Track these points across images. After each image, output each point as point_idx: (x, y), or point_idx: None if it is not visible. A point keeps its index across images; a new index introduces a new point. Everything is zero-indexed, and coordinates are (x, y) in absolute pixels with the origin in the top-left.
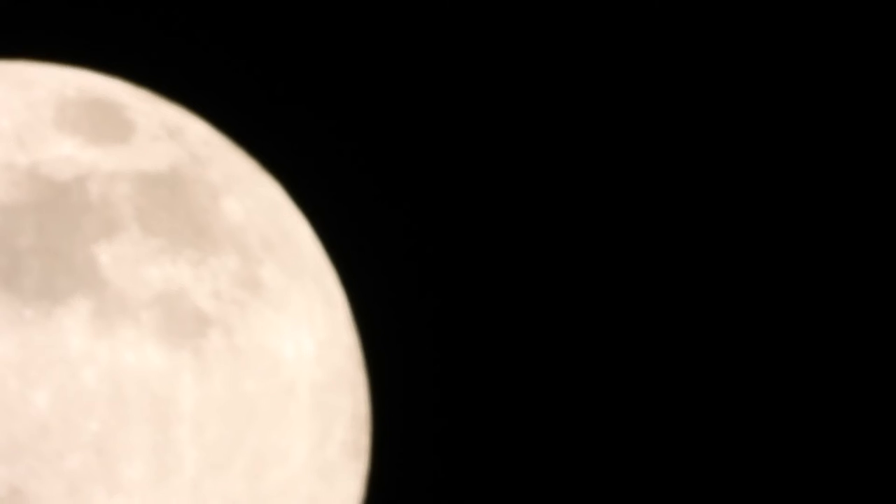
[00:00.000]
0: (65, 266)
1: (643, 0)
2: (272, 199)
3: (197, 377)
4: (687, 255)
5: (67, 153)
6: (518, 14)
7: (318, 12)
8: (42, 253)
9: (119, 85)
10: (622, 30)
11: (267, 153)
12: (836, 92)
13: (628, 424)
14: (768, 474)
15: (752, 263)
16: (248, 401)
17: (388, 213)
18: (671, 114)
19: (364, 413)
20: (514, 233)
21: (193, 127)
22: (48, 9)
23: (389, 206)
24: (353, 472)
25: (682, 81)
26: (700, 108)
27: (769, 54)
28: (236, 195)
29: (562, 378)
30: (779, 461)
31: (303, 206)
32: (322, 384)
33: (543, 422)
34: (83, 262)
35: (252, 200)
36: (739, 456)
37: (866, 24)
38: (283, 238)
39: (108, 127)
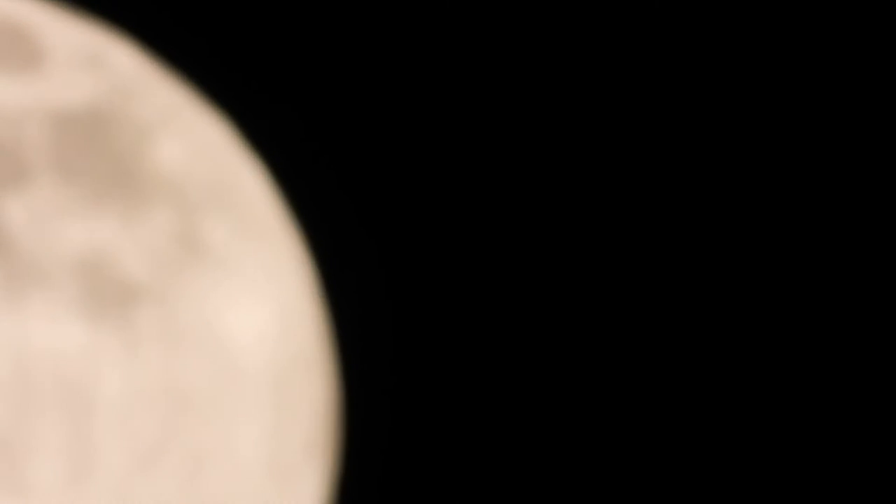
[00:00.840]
0: None
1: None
2: (217, 141)
3: (123, 359)
4: (686, 257)
5: None
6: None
7: None
8: None
9: (27, 2)
10: (620, 29)
11: (212, 83)
12: (836, 92)
13: (607, 409)
14: (767, 474)
15: (746, 264)
16: (186, 388)
17: (362, 159)
18: (671, 114)
19: (330, 400)
20: (497, 188)
21: (119, 52)
22: None
23: (364, 149)
24: (315, 473)
25: (682, 81)
26: (699, 109)
27: (769, 54)
28: (173, 135)
29: (546, 363)
30: (778, 461)
31: (256, 149)
32: (279, 368)
33: (528, 412)
34: None
35: (193, 142)
36: (737, 456)
37: (866, 24)
38: (231, 188)
39: (14, 55)
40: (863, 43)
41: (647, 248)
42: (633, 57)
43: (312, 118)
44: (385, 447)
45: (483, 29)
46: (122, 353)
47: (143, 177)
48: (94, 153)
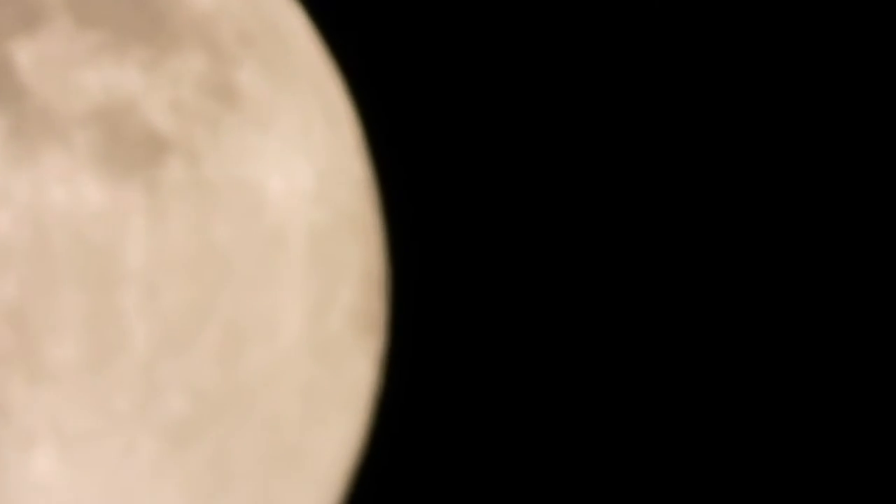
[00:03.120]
0: None
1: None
2: None
3: (150, 222)
4: (692, 255)
5: None
6: None
7: None
8: None
9: None
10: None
11: None
12: (837, 92)
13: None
14: (767, 474)
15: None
16: (220, 254)
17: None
18: (688, 113)
19: (378, 270)
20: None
21: None
22: None
23: None
24: (364, 351)
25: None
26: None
27: (769, 54)
28: None
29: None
30: (777, 461)
31: None
32: (321, 230)
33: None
34: None
35: None
36: (743, 457)
37: (866, 24)
38: (268, 31)
39: None
40: (863, 43)
41: (666, 240)
42: (653, 54)
43: None
44: (441, 321)
45: None
46: (148, 217)
47: (170, 19)
48: None
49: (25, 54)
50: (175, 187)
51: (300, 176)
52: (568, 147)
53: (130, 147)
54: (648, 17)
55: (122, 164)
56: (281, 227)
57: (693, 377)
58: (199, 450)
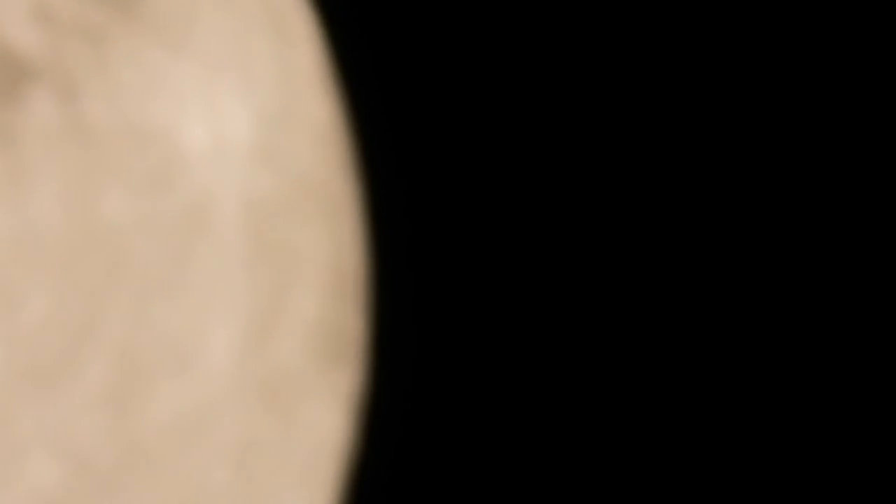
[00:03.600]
0: None
1: None
2: None
3: (2, 192)
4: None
5: None
6: None
7: None
8: None
9: None
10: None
11: None
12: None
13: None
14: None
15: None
16: (110, 242)
17: None
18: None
19: (353, 267)
20: None
21: None
22: None
23: None
24: (331, 391)
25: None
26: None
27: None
28: None
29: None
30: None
31: None
32: (266, 206)
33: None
34: None
35: None
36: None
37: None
38: None
39: None
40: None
41: (667, 239)
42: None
43: None
44: (439, 341)
45: None
46: (5, 183)
47: None
48: None
49: None
50: (41, 138)
51: (232, 122)
52: (579, 117)
53: None
54: (650, 13)
55: None
56: (203, 200)
57: (695, 376)
58: None
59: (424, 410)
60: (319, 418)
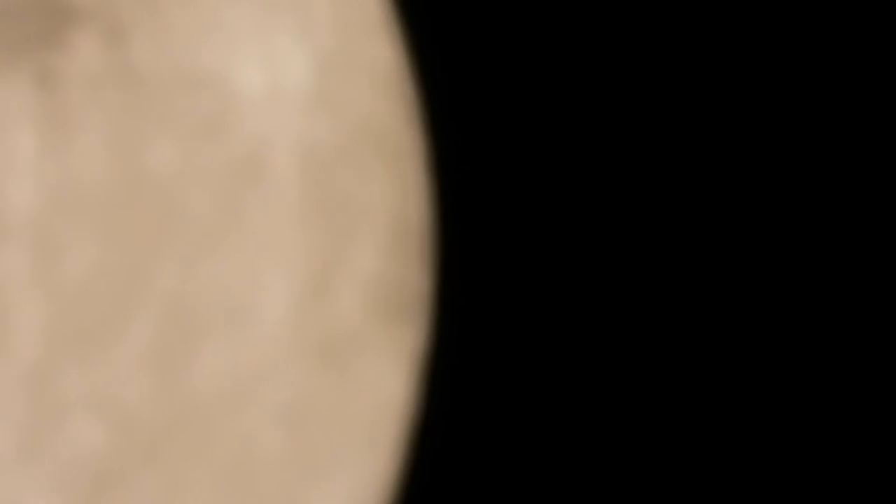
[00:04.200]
0: None
1: None
2: None
3: (44, 140)
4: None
5: None
6: None
7: None
8: None
9: None
10: None
11: None
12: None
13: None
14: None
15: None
16: (158, 193)
17: None
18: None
19: (418, 220)
20: None
21: None
22: None
23: None
24: (394, 349)
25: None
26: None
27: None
28: None
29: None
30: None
31: None
32: (324, 155)
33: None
34: None
35: None
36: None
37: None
38: None
39: None
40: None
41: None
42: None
43: None
44: (508, 299)
45: None
46: (41, 132)
47: None
48: None
49: None
50: (86, 84)
51: (288, 65)
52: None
53: (15, 18)
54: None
55: (7, 48)
56: (257, 148)
57: (718, 374)
58: None
59: (490, 368)
60: (380, 377)
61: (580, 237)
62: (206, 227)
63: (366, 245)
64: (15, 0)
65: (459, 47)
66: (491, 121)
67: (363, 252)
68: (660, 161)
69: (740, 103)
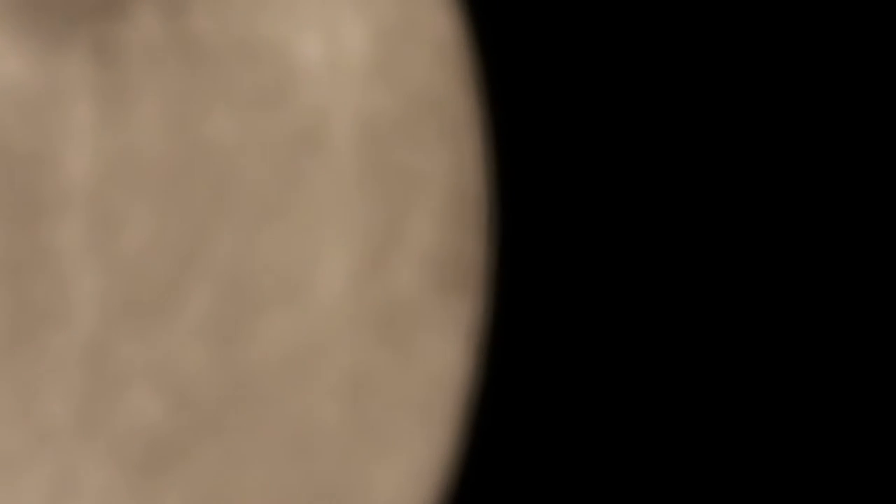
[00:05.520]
0: None
1: None
2: None
3: (101, 110)
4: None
5: None
6: None
7: None
8: None
9: None
10: None
11: None
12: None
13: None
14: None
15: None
16: (216, 163)
17: None
18: None
19: (476, 190)
20: None
21: None
22: None
23: None
24: (452, 322)
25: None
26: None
27: None
28: None
29: None
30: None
31: None
32: (383, 126)
33: None
34: None
35: None
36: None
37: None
38: None
39: None
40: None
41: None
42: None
43: None
44: (569, 271)
45: None
46: (98, 103)
47: None
48: None
49: None
50: (144, 55)
51: (347, 36)
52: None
53: None
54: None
55: (58, 16)
56: (315, 119)
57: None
58: (179, 484)
59: (547, 340)
60: (438, 351)
61: (638, 207)
62: (265, 198)
63: (423, 217)
64: None
65: (517, 18)
66: (549, 91)
67: (421, 224)
68: (715, 138)
69: (796, 109)
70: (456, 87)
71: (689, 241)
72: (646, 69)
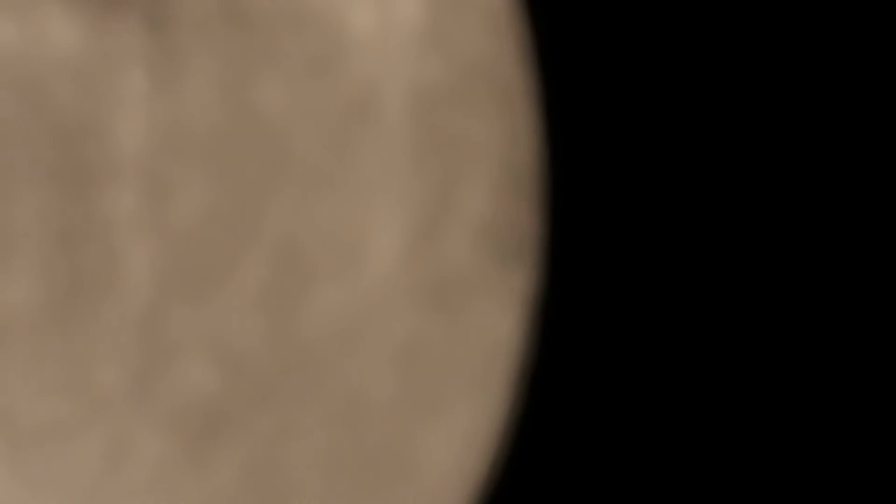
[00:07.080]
0: None
1: None
2: None
3: (154, 80)
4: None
5: None
6: None
7: None
8: None
9: None
10: None
11: None
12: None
13: None
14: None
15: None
16: (268, 133)
17: None
18: None
19: (529, 161)
20: None
21: None
22: None
23: None
24: (505, 292)
25: None
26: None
27: None
28: None
29: None
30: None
31: None
32: (435, 95)
33: None
34: None
35: None
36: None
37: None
38: None
39: None
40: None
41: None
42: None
43: None
44: (625, 243)
45: None
46: (151, 73)
47: None
48: None
49: None
50: (195, 22)
51: (400, 3)
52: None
53: None
54: None
55: None
56: (367, 88)
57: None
58: (233, 453)
59: (600, 310)
60: (491, 320)
61: (694, 176)
62: (317, 168)
63: (476, 187)
64: None
65: None
66: (603, 61)
67: (474, 194)
68: (775, 136)
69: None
70: (508, 55)
71: (744, 214)
72: (700, 39)
